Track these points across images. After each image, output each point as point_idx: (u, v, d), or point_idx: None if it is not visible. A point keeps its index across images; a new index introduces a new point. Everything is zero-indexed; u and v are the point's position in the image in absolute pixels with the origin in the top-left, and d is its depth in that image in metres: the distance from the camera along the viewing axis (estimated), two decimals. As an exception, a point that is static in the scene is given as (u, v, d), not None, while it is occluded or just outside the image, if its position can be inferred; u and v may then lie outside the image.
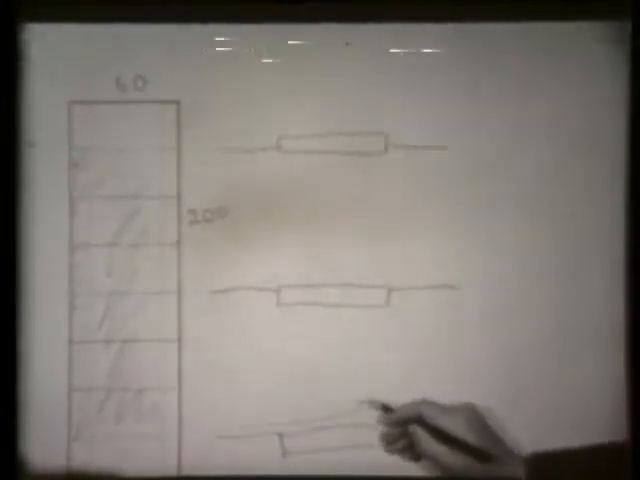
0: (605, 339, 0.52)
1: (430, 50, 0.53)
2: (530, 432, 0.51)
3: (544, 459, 0.50)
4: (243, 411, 0.52)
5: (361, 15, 0.52)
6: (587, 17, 0.52)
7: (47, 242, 0.52)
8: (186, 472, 0.52)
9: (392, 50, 0.53)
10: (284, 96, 0.53)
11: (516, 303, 0.52)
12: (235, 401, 0.52)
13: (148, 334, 0.52)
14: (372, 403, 0.52)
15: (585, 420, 0.52)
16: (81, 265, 0.52)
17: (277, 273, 0.52)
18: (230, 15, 0.52)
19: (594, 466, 0.50)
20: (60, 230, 0.52)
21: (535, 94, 0.53)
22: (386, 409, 0.51)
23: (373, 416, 0.52)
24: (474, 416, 0.50)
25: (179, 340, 0.52)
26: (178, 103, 0.53)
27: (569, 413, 0.52)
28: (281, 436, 0.52)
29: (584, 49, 0.52)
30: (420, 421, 0.50)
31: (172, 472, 0.52)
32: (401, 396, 0.52)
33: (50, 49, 0.53)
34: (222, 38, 0.53)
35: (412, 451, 0.51)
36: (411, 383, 0.52)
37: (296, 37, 0.53)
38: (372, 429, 0.52)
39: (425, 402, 0.51)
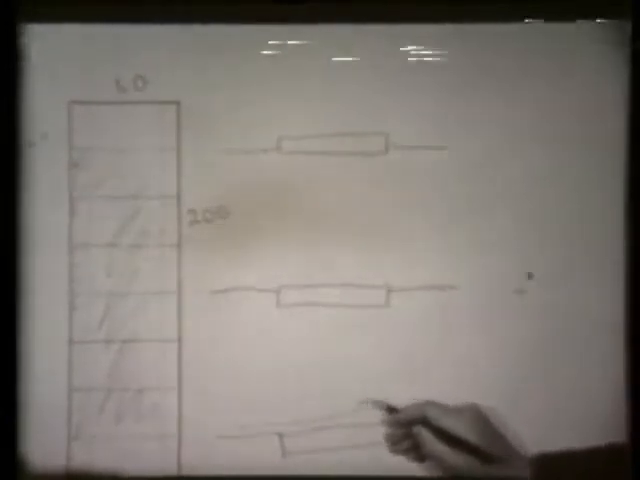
0: (605, 339, 0.52)
1: (430, 51, 0.53)
2: (529, 432, 0.51)
3: (550, 460, 0.50)
4: (243, 411, 0.52)
5: (361, 15, 0.52)
6: (587, 17, 0.52)
7: (47, 242, 0.52)
8: (186, 472, 0.52)
9: (392, 51, 0.52)
10: (284, 97, 0.53)
11: (516, 303, 0.52)
12: (235, 401, 0.52)
13: (148, 334, 0.52)
14: (377, 404, 0.52)
15: (585, 420, 0.52)
16: (81, 265, 0.52)
17: (277, 273, 0.52)
18: (230, 15, 0.52)
19: (600, 467, 0.50)
20: (60, 230, 0.52)
21: (535, 94, 0.53)
22: (391, 410, 0.51)
23: (373, 416, 0.52)
24: (478, 417, 0.50)
25: (179, 340, 0.52)
26: (178, 103, 0.53)
27: (569, 413, 0.52)
28: (281, 436, 0.52)
29: (584, 50, 0.52)
30: (425, 422, 0.50)
31: (172, 472, 0.52)
32: (401, 396, 0.52)
33: (50, 49, 0.52)
34: (222, 38, 0.53)
35: (417, 452, 0.51)
36: (411, 383, 0.52)
37: (296, 37, 0.53)
38: (372, 429, 0.52)
39: (429, 403, 0.51)
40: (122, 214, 0.52)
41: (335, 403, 0.52)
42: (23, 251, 0.52)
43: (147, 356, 0.52)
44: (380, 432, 0.52)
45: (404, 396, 0.52)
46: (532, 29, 0.52)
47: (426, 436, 0.50)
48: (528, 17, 0.52)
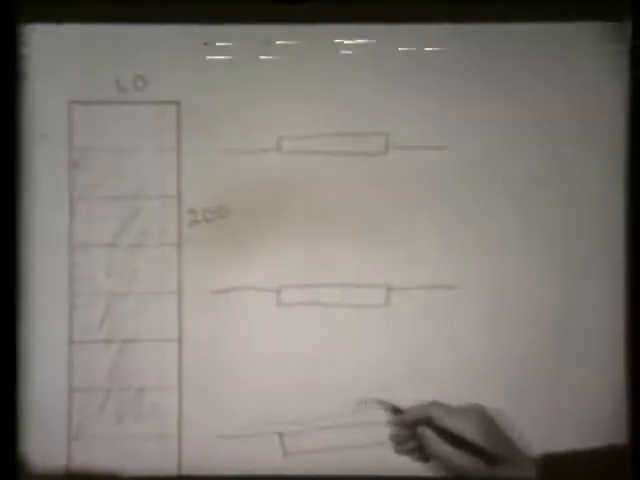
0: (605, 339, 0.52)
1: (430, 50, 0.53)
2: (531, 433, 0.51)
3: (555, 460, 0.50)
4: (243, 411, 0.52)
5: (361, 15, 0.52)
6: (587, 17, 0.52)
7: (47, 242, 0.52)
8: (186, 472, 0.52)
9: (392, 50, 0.53)
10: (284, 96, 0.53)
11: (516, 303, 0.52)
12: (235, 401, 0.52)
13: (148, 334, 0.52)
14: (382, 404, 0.52)
15: (587, 421, 0.52)
16: (81, 265, 0.52)
17: (277, 273, 0.52)
18: (230, 15, 0.52)
19: (605, 467, 0.50)
20: (60, 230, 0.52)
21: (535, 94, 0.53)
22: (396, 410, 0.51)
23: (373, 416, 0.52)
24: (483, 417, 0.50)
25: (179, 340, 0.52)
26: (178, 103, 0.53)
27: (569, 414, 0.52)
28: (281, 436, 0.52)
29: (584, 50, 0.52)
30: (429, 422, 0.50)
31: (172, 472, 0.52)
32: (401, 396, 0.52)
33: (50, 49, 0.52)
34: (222, 38, 0.53)
35: (421, 452, 0.51)
36: (411, 383, 0.52)
37: (296, 37, 0.53)
38: (373, 429, 0.52)
39: (434, 403, 0.51)
40: (122, 214, 0.52)
41: (335, 403, 0.52)
42: (23, 251, 0.52)
43: (147, 356, 0.52)
44: (381, 432, 0.52)
45: (404, 396, 0.52)
46: (532, 29, 0.52)
47: (431, 436, 0.50)
48: (528, 17, 0.52)
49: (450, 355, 0.52)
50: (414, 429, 0.51)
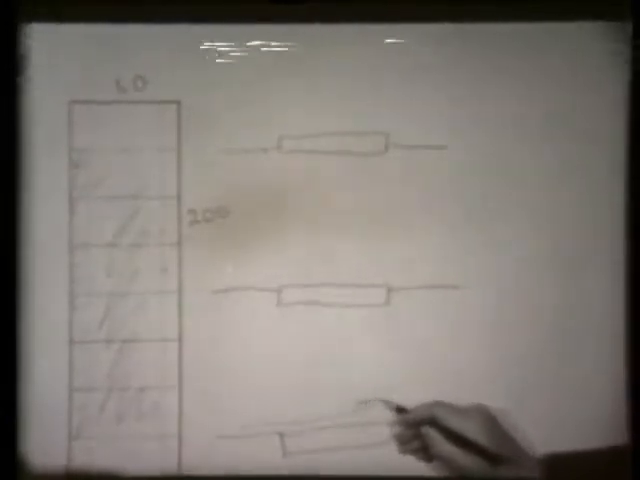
0: (605, 339, 0.52)
1: (430, 50, 0.53)
2: (529, 433, 0.51)
3: (559, 460, 0.50)
4: (243, 411, 0.52)
5: (361, 15, 0.52)
6: (587, 17, 0.52)
7: (47, 242, 0.52)
8: (186, 472, 0.52)
9: (392, 50, 0.53)
10: (284, 96, 0.53)
11: (516, 303, 0.52)
12: (235, 401, 0.52)
13: (148, 334, 0.52)
14: (387, 404, 0.52)
15: (585, 421, 0.52)
16: (81, 265, 0.52)
17: (277, 273, 0.52)
18: (230, 15, 0.52)
19: (609, 468, 0.50)
20: (60, 230, 0.52)
21: (535, 94, 0.53)
22: (400, 410, 0.51)
23: (374, 416, 0.52)
24: (487, 418, 0.50)
25: (179, 340, 0.52)
26: (178, 103, 0.52)
27: (569, 414, 0.52)
28: (282, 436, 0.52)
29: (584, 49, 0.52)
30: (433, 422, 0.50)
31: (172, 472, 0.52)
32: (401, 396, 0.52)
33: (50, 49, 0.52)
34: (222, 38, 0.52)
35: (425, 452, 0.51)
36: (411, 383, 0.52)
37: (296, 37, 0.53)
38: (373, 429, 0.52)
39: (438, 403, 0.51)
40: (122, 214, 0.52)
41: (335, 403, 0.52)
42: (23, 251, 0.52)
43: (147, 356, 0.52)
44: (381, 432, 0.52)
45: (404, 396, 0.52)
46: (533, 29, 0.52)
47: (435, 436, 0.50)
48: (529, 17, 0.52)
49: (450, 355, 0.52)
50: (418, 429, 0.51)
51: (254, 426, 0.52)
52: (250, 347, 0.52)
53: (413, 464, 0.52)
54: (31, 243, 0.52)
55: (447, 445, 0.49)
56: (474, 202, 0.53)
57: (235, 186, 0.53)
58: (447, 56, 0.53)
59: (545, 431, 0.51)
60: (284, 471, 0.52)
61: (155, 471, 0.52)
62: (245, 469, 0.52)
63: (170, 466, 0.52)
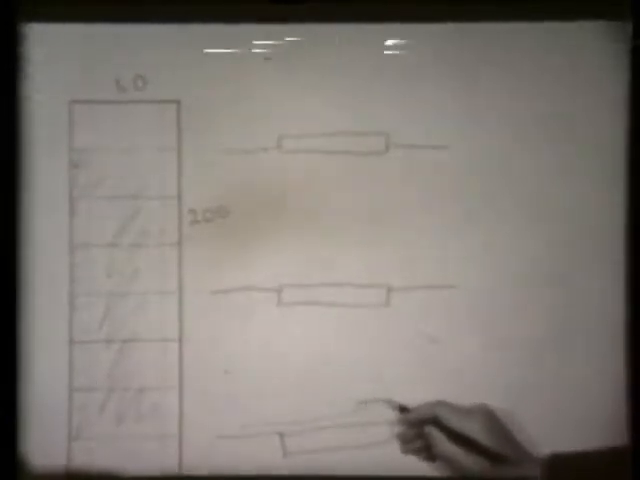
0: (605, 339, 0.52)
1: (430, 50, 0.53)
2: (529, 433, 0.51)
3: (561, 460, 0.50)
4: (243, 411, 0.52)
5: (361, 15, 0.52)
6: (587, 17, 0.52)
7: (47, 242, 0.52)
8: (186, 472, 0.52)
9: (392, 50, 0.53)
10: (285, 96, 0.53)
11: (516, 303, 0.52)
12: (235, 401, 0.52)
13: (148, 334, 0.52)
14: (389, 403, 0.52)
15: (585, 421, 0.52)
16: (81, 265, 0.52)
17: (278, 273, 0.52)
18: (230, 15, 0.52)
19: (611, 468, 0.50)
20: (60, 230, 0.52)
21: (535, 94, 0.53)
22: (402, 409, 0.51)
23: (373, 416, 0.52)
24: (489, 417, 0.50)
25: (180, 340, 0.52)
26: (178, 103, 0.52)
27: (568, 414, 0.52)
28: (282, 436, 0.52)
29: (584, 49, 0.52)
30: (436, 422, 0.50)
31: (172, 472, 0.52)
32: (401, 396, 0.52)
33: (50, 49, 0.52)
34: (222, 38, 0.52)
35: (428, 452, 0.51)
36: (411, 383, 0.52)
37: (296, 37, 0.53)
38: (373, 429, 0.52)
39: (440, 403, 0.51)
40: (122, 214, 0.52)
41: (335, 403, 0.52)
42: (23, 251, 0.52)
43: (147, 356, 0.52)
44: (381, 432, 0.52)
45: (404, 396, 0.52)
46: (533, 28, 0.52)
47: (437, 436, 0.50)
48: (529, 16, 0.52)
49: (450, 355, 0.52)
50: (421, 428, 0.51)
51: (254, 426, 0.52)
52: (250, 347, 0.52)
53: (413, 464, 0.52)
54: (31, 243, 0.52)
55: (449, 445, 0.49)
56: (474, 202, 0.53)
57: (235, 186, 0.53)
58: (447, 56, 0.53)
59: (545, 431, 0.51)
60: (284, 471, 0.52)
61: (155, 471, 0.52)
62: (245, 469, 0.52)
63: (170, 466, 0.52)
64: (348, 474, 0.52)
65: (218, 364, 0.52)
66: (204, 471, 0.52)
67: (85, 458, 0.52)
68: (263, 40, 0.53)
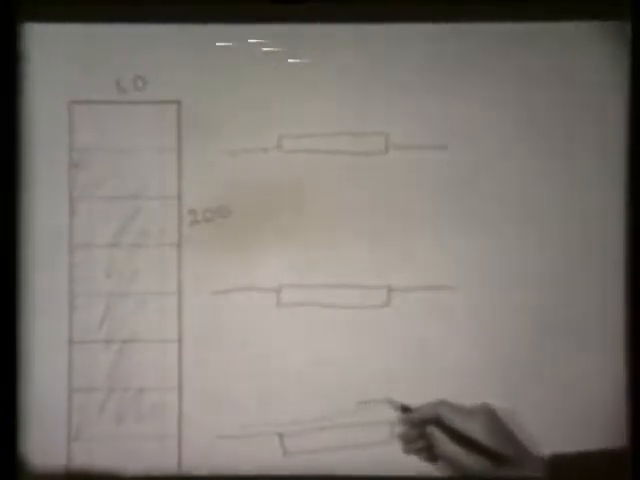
0: (605, 339, 0.52)
1: (430, 50, 0.53)
2: (529, 433, 0.51)
3: (564, 461, 0.50)
4: (243, 411, 0.52)
5: (361, 15, 0.52)
6: (587, 17, 0.52)
7: (47, 242, 0.52)
8: (186, 472, 0.52)
9: (392, 50, 0.53)
10: (285, 96, 0.53)
11: (516, 304, 0.52)
12: (235, 401, 0.52)
13: (148, 334, 0.52)
14: (391, 403, 0.52)
15: (584, 421, 0.52)
16: (81, 265, 0.52)
17: (277, 273, 0.52)
18: (230, 15, 0.52)
19: (614, 468, 0.50)
20: (60, 230, 0.52)
21: (535, 94, 0.53)
22: (405, 409, 0.51)
23: (373, 416, 0.52)
24: (491, 418, 0.50)
25: (179, 340, 0.52)
26: (178, 103, 0.52)
27: (568, 414, 0.52)
28: (281, 436, 0.52)
29: (584, 49, 0.52)
30: (438, 422, 0.50)
31: (172, 472, 0.52)
32: (401, 397, 0.52)
33: (50, 49, 0.52)
34: (222, 38, 0.52)
35: (430, 452, 0.51)
36: (411, 384, 0.52)
37: (296, 37, 0.53)
38: (373, 429, 0.52)
39: (443, 403, 0.51)
40: (122, 214, 0.52)
41: (335, 403, 0.52)
42: (23, 251, 0.52)
43: (147, 356, 0.52)
44: (381, 432, 0.52)
45: (404, 397, 0.52)
46: (532, 29, 0.52)
47: (439, 436, 0.50)
48: (528, 17, 0.52)
49: (450, 356, 0.52)
50: (423, 428, 0.51)
51: (254, 426, 0.52)
52: (250, 347, 0.52)
53: (413, 464, 0.52)
54: (31, 243, 0.52)
55: (451, 445, 0.49)
56: (474, 202, 0.53)
57: (235, 186, 0.53)
58: (446, 56, 0.53)
59: (544, 431, 0.51)
60: (284, 471, 0.52)
61: (155, 471, 0.52)
62: (245, 469, 0.52)
63: (170, 466, 0.52)
64: (348, 474, 0.52)
65: (218, 364, 0.52)
66: (204, 471, 0.52)
67: (85, 458, 0.52)
68: (263, 40, 0.53)
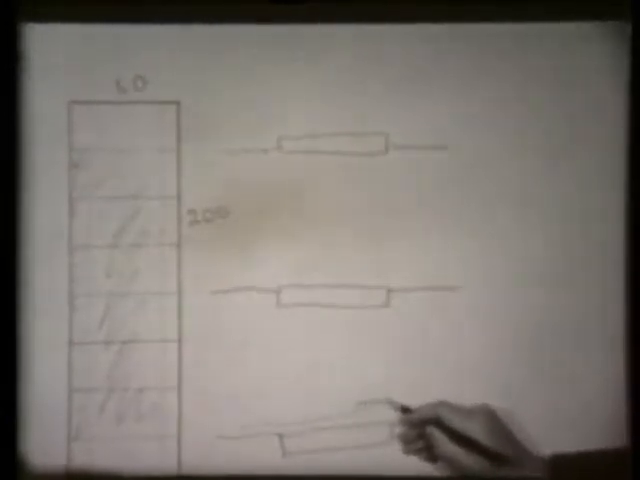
0: (605, 339, 0.52)
1: (430, 50, 0.52)
2: (529, 433, 0.51)
3: (564, 461, 0.50)
4: (243, 411, 0.52)
5: (361, 15, 0.52)
6: (587, 17, 0.52)
7: (47, 242, 0.52)
8: (186, 472, 0.52)
9: (392, 50, 0.52)
10: (284, 97, 0.53)
11: (515, 304, 0.52)
12: (235, 401, 0.52)
13: (148, 334, 0.52)
14: (391, 403, 0.52)
15: (584, 421, 0.52)
16: (81, 266, 0.52)
17: (277, 273, 0.52)
18: (230, 15, 0.52)
19: (615, 468, 0.50)
20: (60, 231, 0.52)
21: (535, 94, 0.53)
22: (405, 409, 0.51)
23: (373, 416, 0.52)
24: (491, 418, 0.50)
25: (179, 340, 0.52)
26: (178, 103, 0.52)
27: (568, 414, 0.52)
28: (281, 436, 0.52)
29: (584, 49, 0.52)
30: (438, 422, 0.50)
31: (172, 472, 0.52)
32: (401, 397, 0.52)
33: (50, 49, 0.52)
34: (222, 38, 0.52)
35: (430, 452, 0.51)
36: (410, 384, 0.52)
37: (296, 37, 0.53)
38: (372, 429, 0.52)
39: (442, 403, 0.51)
40: (122, 214, 0.52)
41: (335, 403, 0.52)
42: (23, 251, 0.52)
43: (147, 356, 0.52)
44: (380, 432, 0.52)
45: (404, 397, 0.52)
46: (532, 29, 0.52)
47: (439, 437, 0.50)
48: (528, 17, 0.52)
49: (450, 356, 0.52)
50: (422, 429, 0.51)
51: (253, 426, 0.52)
52: (250, 348, 0.52)
53: (413, 464, 0.52)
54: (31, 243, 0.52)
55: (451, 445, 0.49)
56: (474, 203, 0.53)
57: (235, 186, 0.53)
58: (446, 56, 0.53)
59: (544, 431, 0.51)
60: (283, 471, 0.52)
61: (155, 471, 0.52)
62: (245, 469, 0.52)
63: (170, 466, 0.52)
64: (348, 474, 0.52)
65: (217, 364, 0.52)
66: (204, 471, 0.52)
67: (85, 458, 0.52)
68: (263, 40, 0.53)
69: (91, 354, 0.52)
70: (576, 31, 0.52)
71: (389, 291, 0.52)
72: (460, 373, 0.52)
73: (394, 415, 0.52)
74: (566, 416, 0.52)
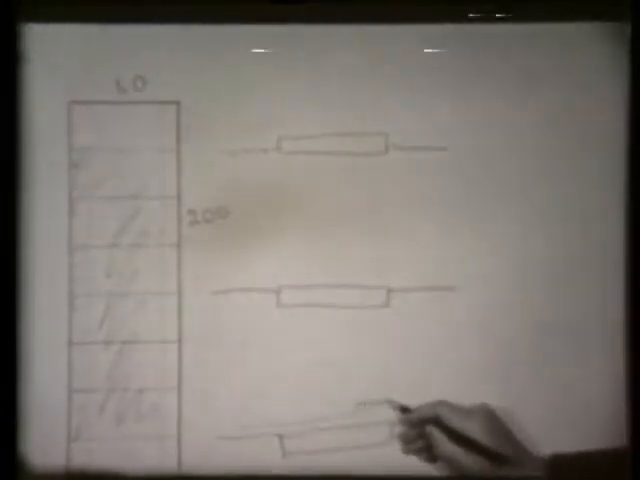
0: (605, 339, 0.52)
1: (430, 50, 0.53)
2: (528, 433, 0.51)
3: (564, 461, 0.50)
4: (243, 411, 0.52)
5: (361, 15, 0.52)
6: (587, 18, 0.52)
7: (47, 242, 0.52)
8: (186, 472, 0.52)
9: (392, 50, 0.53)
10: (284, 97, 0.53)
11: (515, 304, 0.52)
12: (235, 401, 0.52)
13: (148, 335, 0.52)
14: (390, 403, 0.52)
15: (584, 421, 0.52)
16: (81, 266, 0.52)
17: (277, 274, 0.52)
18: (230, 15, 0.52)
19: (615, 468, 0.50)
20: (60, 231, 0.52)
21: (535, 95, 0.53)
22: (404, 409, 0.51)
23: (373, 416, 0.52)
24: (490, 417, 0.50)
25: (179, 341, 0.52)
26: (178, 103, 0.52)
27: (568, 414, 0.52)
28: (281, 437, 0.52)
29: (584, 50, 0.52)
30: (437, 422, 0.50)
31: (172, 472, 0.52)
32: (400, 398, 0.52)
33: (50, 49, 0.52)
34: (222, 38, 0.52)
35: (429, 452, 0.51)
36: (410, 384, 0.52)
37: (296, 37, 0.53)
38: (372, 429, 0.52)
39: (442, 403, 0.51)
40: (122, 214, 0.52)
41: (335, 403, 0.52)
42: (23, 251, 0.52)
43: (147, 357, 0.52)
44: (380, 432, 0.52)
45: (404, 397, 0.52)
46: (532, 29, 0.52)
47: (438, 436, 0.50)
48: (528, 17, 0.52)
49: (450, 356, 0.52)
50: (422, 428, 0.51)
51: (254, 427, 0.52)
52: (250, 348, 0.52)
53: (413, 464, 0.52)
54: (31, 243, 0.52)
55: (450, 445, 0.49)
56: (474, 203, 0.53)
57: (235, 186, 0.53)
58: (447, 57, 0.53)
59: (544, 432, 0.51)
60: (283, 472, 0.52)
61: (155, 472, 0.52)
62: (245, 470, 0.52)
63: (170, 467, 0.52)
64: (348, 474, 0.52)
65: (217, 364, 0.52)
66: (203, 471, 0.52)
67: (85, 458, 0.52)
68: (263, 40, 0.53)
69: (91, 354, 0.52)
70: (576, 31, 0.52)
71: (389, 291, 0.52)
72: (459, 373, 0.52)
73: (394, 415, 0.52)
74: (566, 416, 0.52)
